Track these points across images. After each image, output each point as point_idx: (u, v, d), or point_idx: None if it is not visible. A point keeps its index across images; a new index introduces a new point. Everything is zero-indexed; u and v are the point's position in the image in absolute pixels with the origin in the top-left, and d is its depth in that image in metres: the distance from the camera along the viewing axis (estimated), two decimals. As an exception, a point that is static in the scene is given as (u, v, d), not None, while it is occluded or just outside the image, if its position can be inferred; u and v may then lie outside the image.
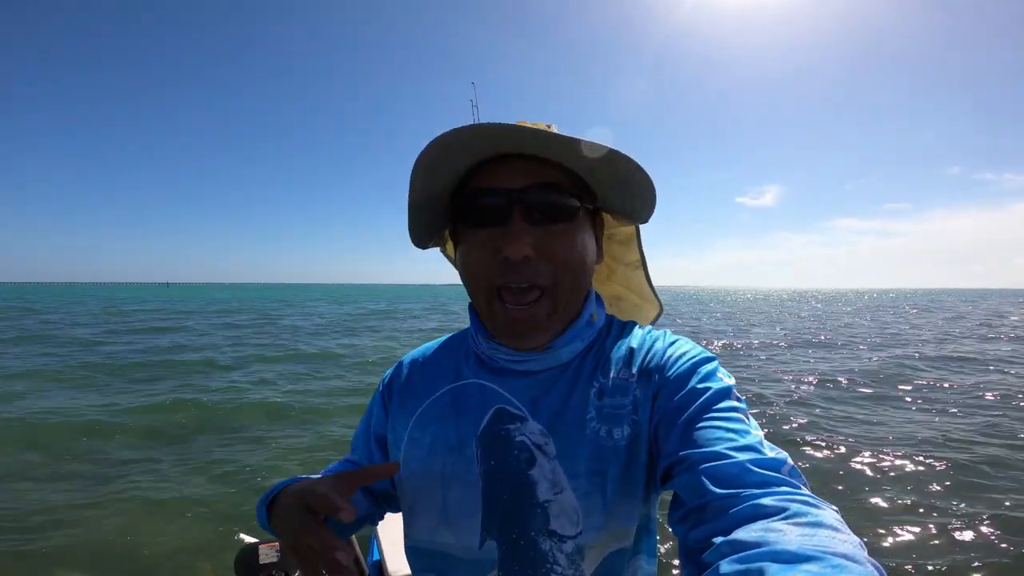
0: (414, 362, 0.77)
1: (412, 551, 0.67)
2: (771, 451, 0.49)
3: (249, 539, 1.66)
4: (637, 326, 0.71)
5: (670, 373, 0.60)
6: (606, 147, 0.57)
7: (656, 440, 0.58)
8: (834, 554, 0.34)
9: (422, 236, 0.71)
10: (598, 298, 0.73)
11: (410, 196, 0.64)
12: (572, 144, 0.57)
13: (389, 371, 0.79)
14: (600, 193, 0.67)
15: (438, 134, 0.56)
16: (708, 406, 0.54)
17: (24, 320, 20.00)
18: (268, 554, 1.54)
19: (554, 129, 0.61)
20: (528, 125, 0.57)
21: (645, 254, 0.86)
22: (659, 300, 0.91)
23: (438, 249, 0.83)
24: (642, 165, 0.61)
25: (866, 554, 0.37)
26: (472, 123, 0.55)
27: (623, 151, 0.58)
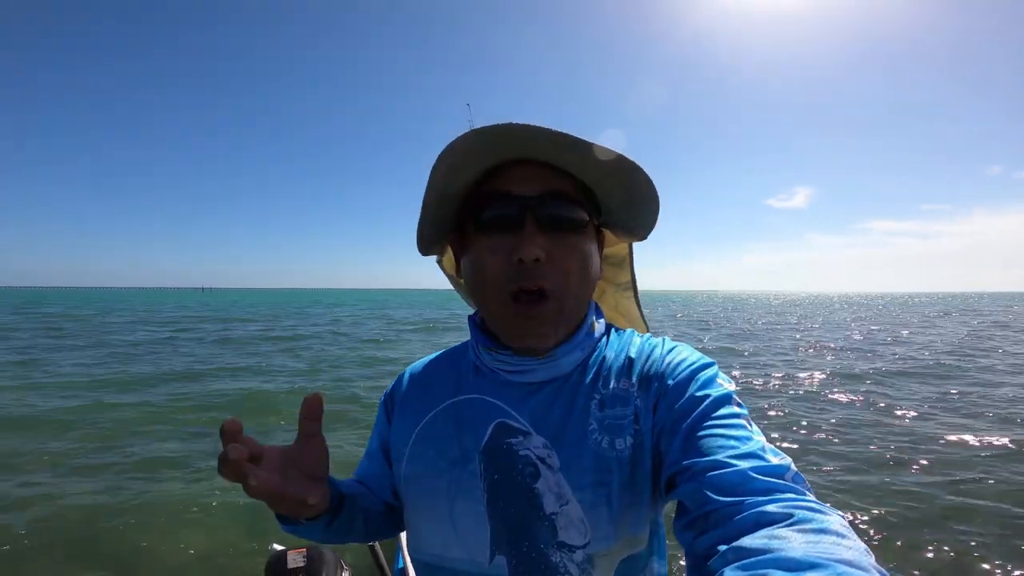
0: (414, 375, 0.77)
1: (421, 566, 0.67)
2: (774, 457, 0.49)
3: (279, 546, 1.73)
4: (635, 334, 0.71)
5: (670, 381, 0.60)
6: (621, 154, 0.58)
7: (658, 450, 0.58)
8: (839, 561, 0.34)
9: (430, 239, 0.71)
10: (598, 309, 0.73)
11: (426, 195, 0.64)
12: (588, 151, 0.57)
13: (391, 384, 0.79)
14: (605, 207, 0.68)
15: (461, 134, 0.56)
16: (708, 414, 0.54)
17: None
18: (296, 559, 1.61)
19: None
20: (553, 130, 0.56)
21: (636, 277, 0.87)
22: (646, 323, 0.92)
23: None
24: (652, 177, 0.62)
25: (872, 561, 0.36)
26: (496, 123, 0.55)
27: (640, 157, 0.59)
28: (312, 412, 0.56)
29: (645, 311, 0.92)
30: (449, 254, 0.82)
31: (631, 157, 0.59)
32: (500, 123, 0.55)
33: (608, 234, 0.75)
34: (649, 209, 0.67)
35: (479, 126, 0.56)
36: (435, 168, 0.60)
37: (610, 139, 0.58)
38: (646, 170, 0.61)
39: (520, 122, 0.54)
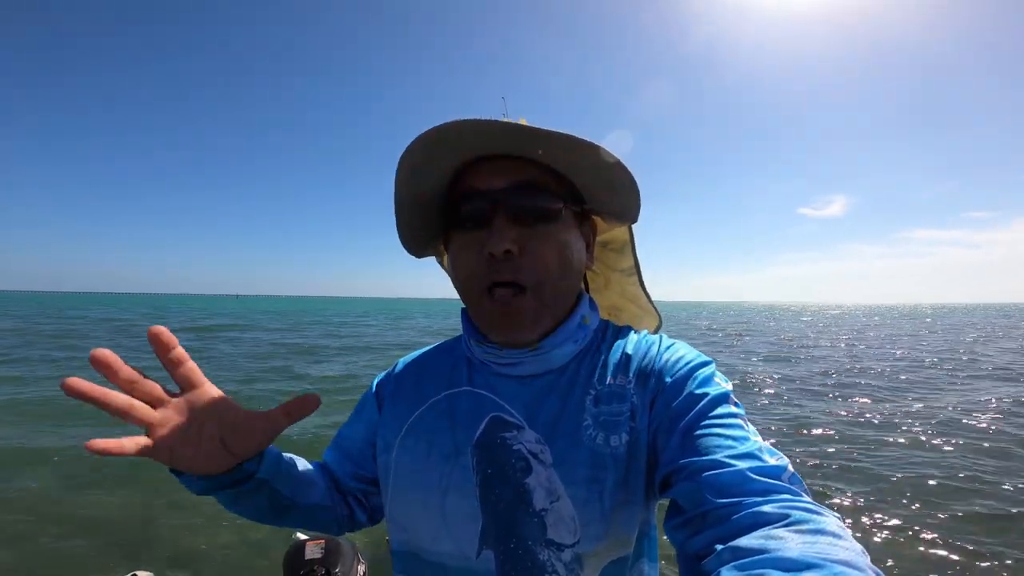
0: (407, 368, 0.76)
1: (404, 557, 0.65)
2: (771, 458, 0.49)
3: (301, 536, 1.79)
4: (632, 331, 0.71)
5: (667, 379, 0.60)
6: (577, 137, 0.56)
7: (655, 447, 0.58)
8: (836, 561, 0.34)
9: (416, 241, 0.71)
10: (591, 302, 0.72)
11: (395, 197, 0.64)
12: (551, 140, 0.56)
13: (382, 374, 0.78)
14: (587, 194, 0.66)
15: (416, 136, 0.56)
16: (706, 412, 0.54)
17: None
18: (313, 551, 1.67)
19: (522, 123, 0.61)
20: (505, 121, 0.56)
21: (640, 262, 0.85)
22: (657, 311, 0.90)
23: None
24: (623, 161, 0.60)
25: (868, 561, 0.36)
26: (452, 120, 0.54)
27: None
28: (302, 411, 0.56)
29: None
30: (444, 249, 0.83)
31: (607, 144, 0.58)
32: (447, 121, 0.55)
33: (601, 221, 0.74)
34: (628, 192, 0.65)
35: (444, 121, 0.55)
36: (397, 171, 0.61)
37: (617, 140, 0.61)
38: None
39: (467, 117, 0.54)
